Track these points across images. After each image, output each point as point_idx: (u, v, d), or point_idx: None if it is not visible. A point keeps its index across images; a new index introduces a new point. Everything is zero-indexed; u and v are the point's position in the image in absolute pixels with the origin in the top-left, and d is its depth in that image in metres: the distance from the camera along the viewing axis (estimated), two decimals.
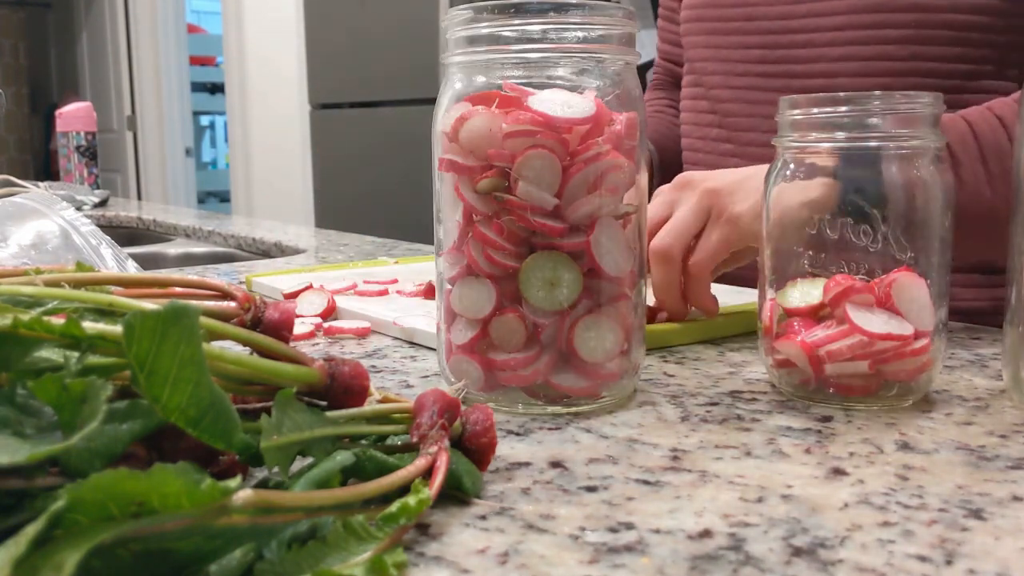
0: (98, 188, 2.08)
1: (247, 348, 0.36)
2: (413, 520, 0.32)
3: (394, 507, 0.31)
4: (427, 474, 0.34)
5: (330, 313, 0.74)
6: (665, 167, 1.04)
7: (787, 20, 0.85)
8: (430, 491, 0.33)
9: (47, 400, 0.29)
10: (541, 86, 0.47)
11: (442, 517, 0.35)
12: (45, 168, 6.11)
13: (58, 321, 0.30)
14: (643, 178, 0.50)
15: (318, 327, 0.69)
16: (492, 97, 0.47)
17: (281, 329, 0.39)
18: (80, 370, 0.30)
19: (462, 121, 0.46)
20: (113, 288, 0.37)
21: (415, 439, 0.36)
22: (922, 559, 0.32)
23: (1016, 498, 0.37)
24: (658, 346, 0.62)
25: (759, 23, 0.87)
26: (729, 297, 0.73)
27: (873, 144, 0.48)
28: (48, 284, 0.35)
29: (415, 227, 2.25)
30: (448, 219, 0.49)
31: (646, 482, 0.39)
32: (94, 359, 0.30)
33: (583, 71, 0.48)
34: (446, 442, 0.36)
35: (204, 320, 0.33)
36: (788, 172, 0.50)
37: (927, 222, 0.48)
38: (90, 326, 0.30)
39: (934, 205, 0.48)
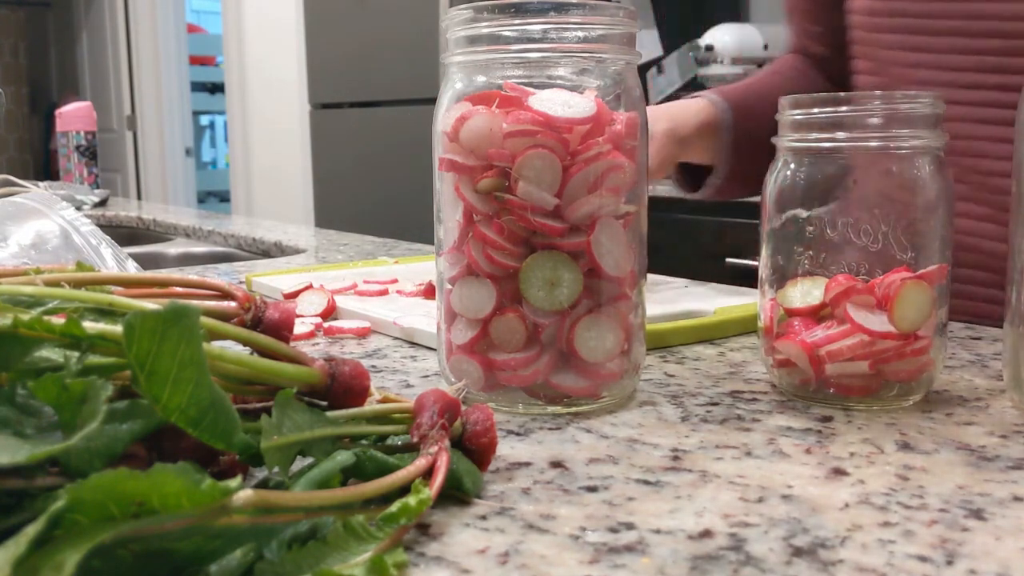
0: (98, 188, 2.08)
1: (247, 348, 0.36)
2: (413, 520, 0.32)
3: (394, 507, 0.31)
4: (427, 474, 0.34)
5: (330, 313, 0.74)
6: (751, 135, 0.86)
7: None
8: (430, 491, 0.33)
9: (47, 400, 0.29)
10: (541, 86, 0.47)
11: (442, 517, 0.35)
12: (45, 168, 6.11)
13: (58, 321, 0.30)
14: (644, 177, 0.50)
15: (318, 327, 0.69)
16: (492, 97, 0.47)
17: (281, 329, 0.38)
18: (80, 370, 0.30)
19: (462, 121, 0.46)
20: (113, 288, 0.37)
21: (415, 439, 0.36)
22: (923, 559, 0.32)
23: (1017, 498, 0.37)
24: (658, 346, 0.62)
25: (990, 23, 0.70)
26: (729, 297, 0.73)
27: (873, 144, 0.48)
28: (48, 284, 0.35)
29: (415, 227, 2.25)
30: (448, 219, 0.49)
31: (646, 482, 0.39)
32: (94, 359, 0.30)
33: (584, 71, 0.48)
34: (446, 442, 0.36)
35: (204, 320, 0.33)
36: (789, 172, 0.50)
37: (927, 222, 0.48)
38: (90, 326, 0.30)
39: (934, 205, 0.48)
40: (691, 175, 0.90)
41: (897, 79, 0.79)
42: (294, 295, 0.76)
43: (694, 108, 0.84)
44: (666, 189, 2.21)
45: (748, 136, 0.84)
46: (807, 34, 0.94)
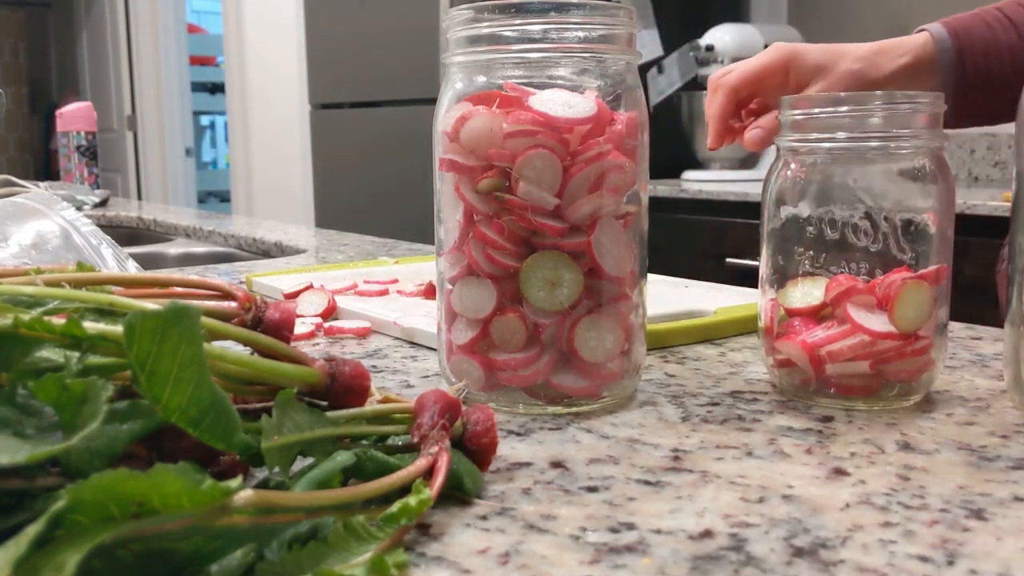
0: (98, 188, 2.08)
1: (248, 348, 0.36)
2: (414, 520, 0.32)
3: (395, 507, 0.31)
4: (428, 474, 0.34)
5: (330, 313, 0.74)
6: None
7: None
8: (431, 491, 0.33)
9: (48, 400, 0.29)
10: (542, 86, 0.47)
11: (443, 517, 0.35)
12: (45, 168, 6.11)
13: (59, 321, 0.30)
14: (644, 177, 0.50)
15: (318, 327, 0.69)
16: (493, 97, 0.47)
17: (282, 329, 0.38)
18: (81, 370, 0.30)
19: (463, 121, 0.46)
20: (114, 288, 0.37)
21: (416, 439, 0.36)
22: (923, 559, 0.32)
23: (1017, 498, 0.37)
24: (658, 346, 0.62)
25: None
26: (729, 297, 0.73)
27: (874, 144, 0.48)
28: (49, 284, 0.35)
29: (415, 227, 2.25)
30: (449, 219, 0.49)
31: (647, 482, 0.39)
32: (95, 359, 0.30)
33: (584, 71, 0.48)
34: (447, 442, 0.36)
35: (205, 320, 0.33)
36: (789, 172, 0.50)
37: (927, 222, 0.48)
38: (91, 326, 0.30)
39: (934, 205, 0.48)
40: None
41: None
42: (294, 295, 0.76)
43: (902, 48, 0.79)
44: (667, 189, 2.21)
45: (980, 73, 0.77)
46: None
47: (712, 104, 0.78)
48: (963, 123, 0.81)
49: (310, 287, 0.78)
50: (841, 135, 0.48)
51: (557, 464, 0.41)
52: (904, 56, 0.78)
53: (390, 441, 0.38)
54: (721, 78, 0.78)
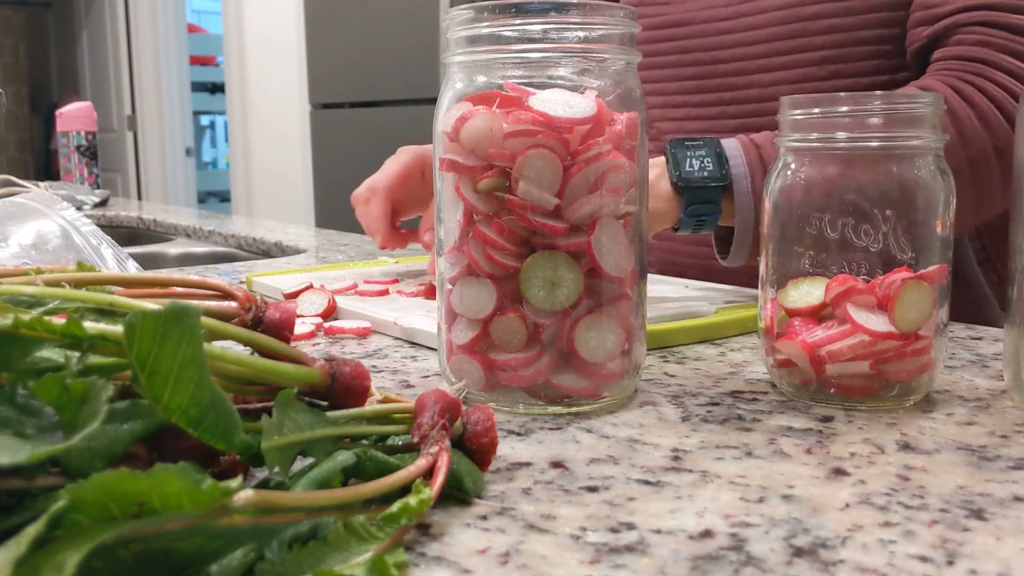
0: (98, 188, 2.08)
1: (248, 348, 0.36)
2: (414, 520, 0.32)
3: (395, 507, 0.31)
4: (428, 474, 0.34)
5: (330, 313, 0.74)
6: None
7: (718, 51, 0.90)
8: (431, 491, 0.33)
9: (48, 400, 0.29)
10: (542, 86, 0.47)
11: (443, 517, 0.35)
12: (45, 168, 6.11)
13: (59, 321, 0.30)
14: (644, 177, 0.50)
15: (318, 327, 0.69)
16: (493, 97, 0.47)
17: (282, 329, 0.38)
18: (81, 370, 0.30)
19: (463, 121, 0.46)
20: (114, 288, 0.37)
21: (416, 439, 0.36)
22: (923, 559, 0.32)
23: (1017, 498, 0.37)
24: (658, 346, 0.62)
25: (693, 55, 0.92)
26: (729, 297, 0.73)
27: (874, 144, 0.48)
28: (49, 284, 0.35)
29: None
30: (449, 219, 0.49)
31: (647, 482, 0.39)
32: (95, 359, 0.30)
33: (584, 71, 0.48)
34: (447, 442, 0.36)
35: (205, 320, 0.33)
36: (789, 172, 0.50)
37: (928, 222, 0.48)
38: (91, 326, 0.30)
39: (934, 205, 0.48)
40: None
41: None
42: (294, 295, 0.76)
43: None
44: None
45: None
46: None
47: (373, 208, 0.85)
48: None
49: (310, 287, 0.78)
50: (841, 135, 0.48)
51: (557, 464, 0.41)
52: None
53: (390, 441, 0.38)
54: (372, 186, 0.86)
